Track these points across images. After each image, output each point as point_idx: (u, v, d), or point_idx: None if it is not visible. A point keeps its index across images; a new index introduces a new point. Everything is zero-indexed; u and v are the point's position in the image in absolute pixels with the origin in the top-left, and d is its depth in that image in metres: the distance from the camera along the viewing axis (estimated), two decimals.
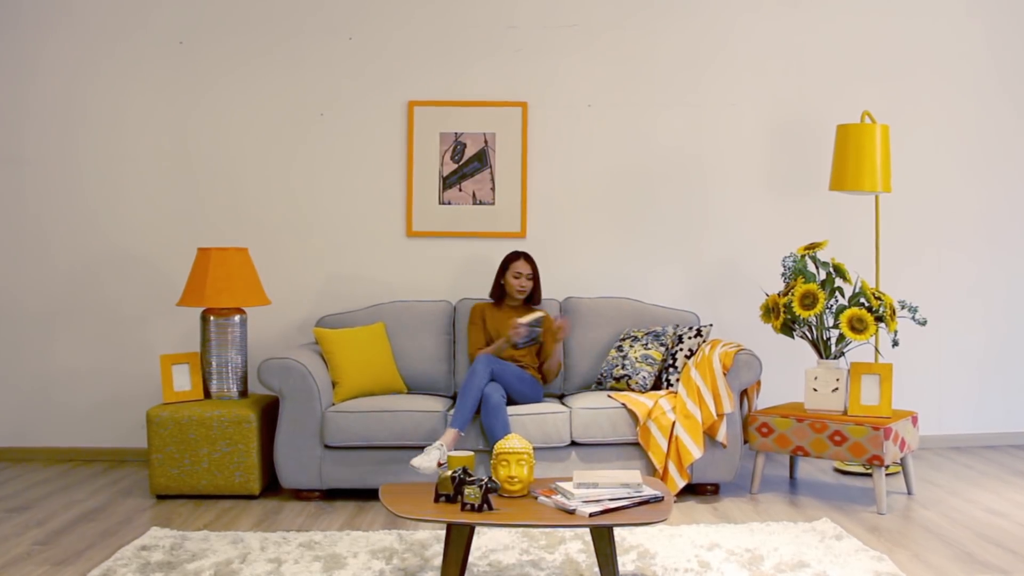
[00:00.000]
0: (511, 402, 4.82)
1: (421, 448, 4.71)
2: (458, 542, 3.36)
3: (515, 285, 5.13)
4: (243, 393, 5.11)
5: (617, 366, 5.09)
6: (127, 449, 5.66)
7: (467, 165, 5.70)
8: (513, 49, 5.71)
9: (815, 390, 4.83)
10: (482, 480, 3.31)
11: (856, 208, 5.75)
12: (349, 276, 5.71)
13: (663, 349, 5.08)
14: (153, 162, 5.69)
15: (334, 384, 4.98)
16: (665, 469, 4.69)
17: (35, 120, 5.67)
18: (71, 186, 5.67)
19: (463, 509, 3.31)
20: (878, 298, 4.75)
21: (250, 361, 5.44)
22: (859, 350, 5.47)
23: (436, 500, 3.41)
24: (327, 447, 4.77)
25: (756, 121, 5.79)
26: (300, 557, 3.86)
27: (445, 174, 5.70)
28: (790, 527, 4.25)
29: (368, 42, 5.69)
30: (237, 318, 5.07)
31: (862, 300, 4.78)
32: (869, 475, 5.19)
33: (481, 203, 5.70)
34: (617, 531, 4.09)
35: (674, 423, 4.72)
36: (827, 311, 4.85)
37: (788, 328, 4.91)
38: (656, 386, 5.03)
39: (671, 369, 5.01)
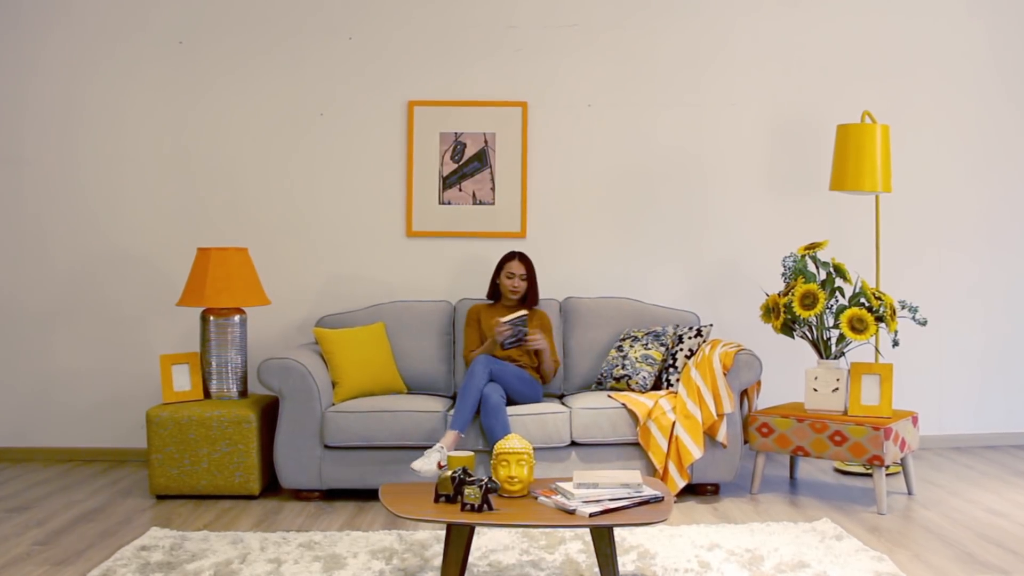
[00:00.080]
0: (511, 402, 4.82)
1: (421, 448, 4.71)
2: (458, 542, 3.36)
3: (508, 285, 5.13)
4: (243, 393, 5.10)
5: (617, 366, 5.08)
6: (127, 449, 5.66)
7: (467, 165, 5.70)
8: (513, 49, 5.71)
9: (815, 390, 4.82)
10: (482, 480, 3.30)
11: (856, 208, 5.75)
12: (349, 276, 5.71)
13: (663, 349, 5.08)
14: (153, 162, 5.69)
15: (334, 384, 4.98)
16: (665, 469, 4.69)
17: (35, 120, 5.67)
18: (71, 186, 5.67)
19: (463, 509, 3.30)
20: (878, 298, 4.75)
21: (250, 361, 5.44)
22: (859, 350, 5.46)
23: (436, 500, 3.41)
24: (327, 447, 4.76)
25: (756, 121, 5.78)
26: (300, 557, 3.86)
27: (445, 174, 5.70)
28: (790, 527, 4.24)
29: (368, 42, 5.69)
30: (237, 318, 5.07)
31: (862, 300, 4.77)
32: (869, 475, 5.19)
33: (481, 203, 5.70)
34: (617, 531, 4.09)
35: (674, 423, 4.71)
36: (827, 311, 4.85)
37: (788, 328, 4.90)
38: (656, 386, 5.03)
39: (671, 369, 5.00)
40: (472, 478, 3.34)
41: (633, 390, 4.98)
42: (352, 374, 4.99)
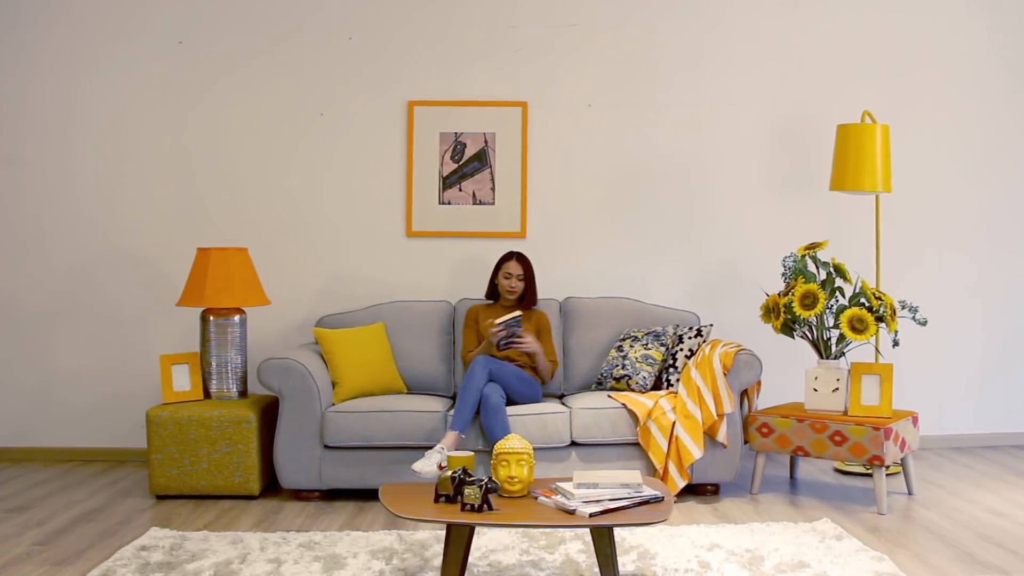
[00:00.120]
0: (510, 402, 4.82)
1: (421, 448, 4.71)
2: (458, 542, 3.36)
3: (505, 286, 5.13)
4: (243, 393, 5.10)
5: (617, 366, 5.08)
6: (127, 449, 5.66)
7: (467, 165, 5.69)
8: (513, 49, 5.71)
9: (815, 390, 4.82)
10: (482, 480, 3.30)
11: (856, 208, 5.75)
12: (349, 276, 5.71)
13: (663, 349, 5.08)
14: (153, 162, 5.69)
15: (334, 384, 4.97)
16: (665, 469, 4.69)
17: (34, 120, 5.67)
18: (70, 186, 5.67)
19: (463, 509, 3.30)
20: (878, 298, 4.75)
21: (250, 361, 5.44)
22: (859, 350, 5.46)
23: (436, 500, 3.41)
24: (327, 447, 4.76)
25: (756, 121, 5.78)
26: (300, 557, 3.86)
27: (445, 174, 5.69)
28: (790, 527, 4.24)
29: (368, 42, 5.69)
30: (237, 318, 5.07)
31: (862, 300, 4.77)
32: (869, 475, 5.19)
33: (481, 203, 5.70)
34: (617, 531, 4.09)
35: (674, 423, 4.71)
36: (827, 311, 4.85)
37: (788, 328, 4.90)
38: (656, 386, 5.03)
39: (671, 369, 5.00)
40: (472, 478, 3.34)
41: (633, 390, 4.98)
42: (352, 374, 4.99)
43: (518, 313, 4.87)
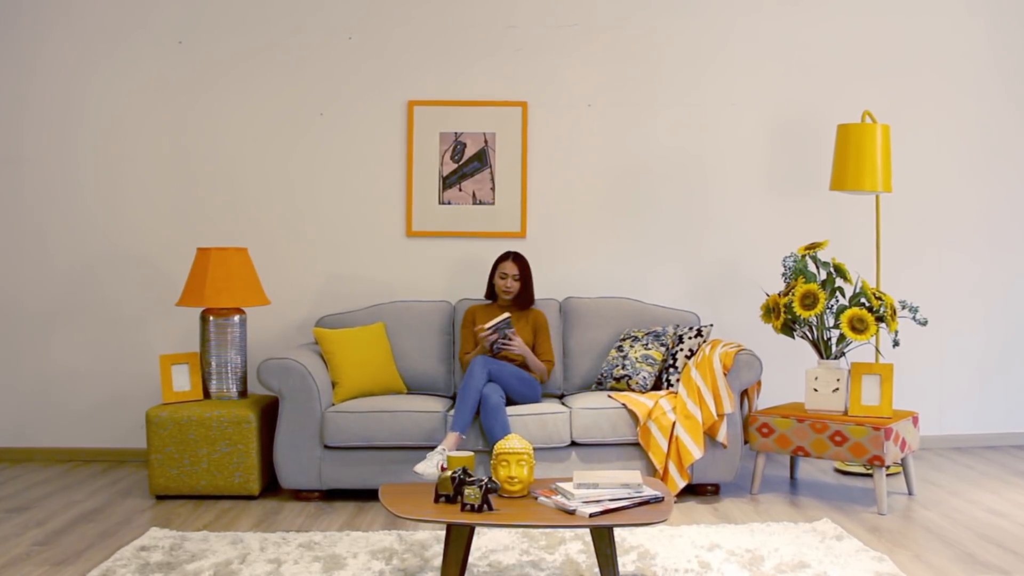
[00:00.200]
0: (510, 402, 4.82)
1: (421, 448, 4.71)
2: (458, 542, 3.36)
3: (501, 286, 5.13)
4: (243, 393, 5.10)
5: (617, 366, 5.08)
6: (126, 449, 5.66)
7: (467, 165, 5.69)
8: (513, 49, 5.71)
9: (816, 390, 4.82)
10: (482, 480, 3.30)
11: (857, 208, 5.75)
12: (349, 276, 5.71)
13: (663, 349, 5.07)
14: (152, 162, 5.68)
15: (334, 384, 4.97)
16: (665, 469, 4.68)
17: (34, 119, 5.66)
18: (70, 186, 5.67)
19: (463, 509, 3.30)
20: (879, 298, 4.75)
21: (250, 361, 5.44)
22: (860, 350, 5.46)
23: (436, 500, 3.41)
24: (327, 447, 4.76)
25: (756, 121, 5.78)
26: (300, 558, 3.86)
27: (445, 174, 5.69)
28: (791, 527, 4.24)
29: (368, 42, 5.69)
30: (237, 318, 5.07)
31: (863, 300, 4.77)
32: (870, 475, 5.18)
33: (481, 203, 5.70)
34: (617, 531, 4.09)
35: (674, 423, 4.71)
36: (828, 311, 4.85)
37: (788, 328, 4.90)
38: (656, 386, 5.03)
39: (671, 369, 5.00)
40: (472, 478, 3.34)
41: (633, 390, 4.98)
42: (352, 374, 4.99)
43: (506, 315, 4.87)
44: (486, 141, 5.69)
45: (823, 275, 4.96)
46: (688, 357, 4.98)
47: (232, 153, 5.69)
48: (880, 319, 4.71)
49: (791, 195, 5.79)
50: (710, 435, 4.74)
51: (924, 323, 4.85)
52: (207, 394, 5.05)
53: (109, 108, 5.66)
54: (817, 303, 4.74)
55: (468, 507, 3.29)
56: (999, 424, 5.92)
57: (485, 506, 3.28)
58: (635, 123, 5.75)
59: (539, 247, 5.67)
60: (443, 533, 4.06)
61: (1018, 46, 5.88)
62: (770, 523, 4.32)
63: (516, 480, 3.44)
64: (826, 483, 5.13)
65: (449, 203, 5.69)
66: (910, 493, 4.86)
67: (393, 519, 4.45)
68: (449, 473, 3.39)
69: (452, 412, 4.70)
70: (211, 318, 5.02)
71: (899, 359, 5.55)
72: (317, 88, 5.68)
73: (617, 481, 3.44)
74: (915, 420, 4.81)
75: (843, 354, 4.89)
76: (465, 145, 5.69)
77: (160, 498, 4.84)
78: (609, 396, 4.89)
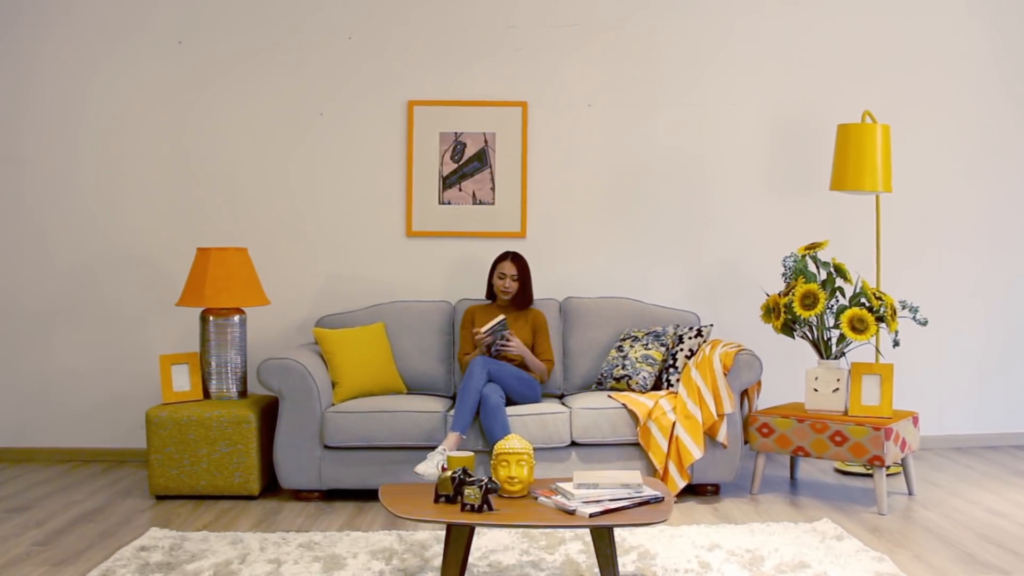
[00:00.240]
0: (510, 402, 4.82)
1: (421, 448, 4.71)
2: (458, 543, 3.35)
3: (499, 286, 5.13)
4: (243, 393, 5.10)
5: (617, 366, 5.08)
6: (126, 449, 5.65)
7: (467, 165, 5.69)
8: (513, 49, 5.71)
9: (816, 390, 4.82)
10: (482, 480, 3.30)
11: (857, 208, 5.75)
12: (349, 276, 5.71)
13: (663, 349, 5.07)
14: (152, 162, 5.68)
15: (334, 384, 4.97)
16: (665, 469, 4.68)
17: (34, 119, 5.66)
18: (70, 186, 5.67)
19: (463, 509, 3.30)
20: (879, 298, 4.75)
21: (250, 361, 5.44)
22: (860, 350, 5.46)
23: (436, 500, 3.41)
24: (327, 447, 4.76)
25: (756, 121, 5.78)
26: (300, 558, 3.86)
27: (445, 174, 5.69)
28: (791, 528, 4.24)
29: (368, 42, 5.69)
30: (236, 318, 5.07)
31: (863, 300, 4.77)
32: (870, 475, 5.18)
33: (481, 203, 5.70)
34: (617, 532, 4.08)
35: (674, 423, 4.71)
36: (828, 311, 4.85)
37: (789, 328, 4.90)
38: (656, 386, 5.03)
39: (671, 369, 5.00)
40: (472, 478, 3.34)
41: (633, 390, 4.98)
42: (352, 374, 4.99)
43: (502, 317, 4.87)
44: (486, 141, 5.69)
45: (823, 275, 4.96)
46: (688, 357, 4.98)
47: (232, 153, 5.69)
48: (880, 319, 4.71)
49: (791, 195, 5.79)
50: (710, 435, 4.74)
51: (924, 323, 4.85)
52: (207, 394, 5.05)
53: (109, 108, 5.66)
54: (817, 303, 4.74)
55: (468, 507, 3.29)
56: (999, 424, 5.92)
57: (485, 506, 3.28)
58: (635, 123, 5.75)
59: (539, 247, 5.67)
60: (443, 533, 4.06)
61: (1018, 46, 5.88)
62: (770, 523, 4.32)
63: (516, 480, 3.44)
64: (826, 483, 5.12)
65: (449, 203, 5.69)
66: (910, 493, 4.86)
67: (393, 519, 4.45)
68: (449, 473, 3.39)
69: (452, 412, 4.70)
70: (211, 318, 5.02)
71: (899, 359, 5.55)
72: (317, 88, 5.68)
73: (617, 481, 3.44)
74: (915, 420, 4.81)
75: (843, 354, 4.89)
76: (465, 145, 5.69)
77: (160, 498, 4.84)
78: (609, 396, 4.89)
